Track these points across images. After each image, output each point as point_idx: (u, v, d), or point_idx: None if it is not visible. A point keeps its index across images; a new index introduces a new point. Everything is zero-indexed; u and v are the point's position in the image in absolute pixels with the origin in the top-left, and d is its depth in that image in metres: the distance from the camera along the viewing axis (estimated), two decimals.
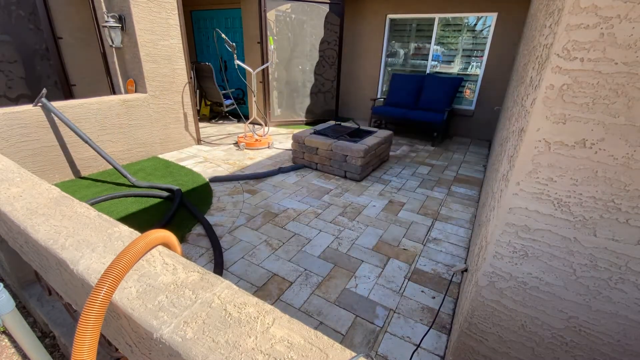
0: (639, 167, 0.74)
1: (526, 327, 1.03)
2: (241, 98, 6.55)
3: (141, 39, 3.80)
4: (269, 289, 2.04)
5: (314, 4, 5.53)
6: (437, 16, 5.54)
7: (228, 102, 6.01)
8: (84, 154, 3.58)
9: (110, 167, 3.85)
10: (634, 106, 0.71)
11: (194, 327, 0.65)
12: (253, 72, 4.59)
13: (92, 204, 2.88)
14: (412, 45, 6.06)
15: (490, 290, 1.05)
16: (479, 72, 5.48)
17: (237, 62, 4.38)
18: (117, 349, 1.05)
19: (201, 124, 5.86)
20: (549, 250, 0.91)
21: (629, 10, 0.67)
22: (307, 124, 6.32)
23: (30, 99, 4.55)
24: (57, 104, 3.27)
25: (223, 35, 4.28)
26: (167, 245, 0.90)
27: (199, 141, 4.86)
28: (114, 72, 4.15)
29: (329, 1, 5.58)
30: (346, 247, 2.49)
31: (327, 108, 6.46)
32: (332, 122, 4.76)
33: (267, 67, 5.54)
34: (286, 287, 2.06)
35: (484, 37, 5.31)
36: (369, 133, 4.25)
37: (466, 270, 1.66)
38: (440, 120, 5.00)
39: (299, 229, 2.71)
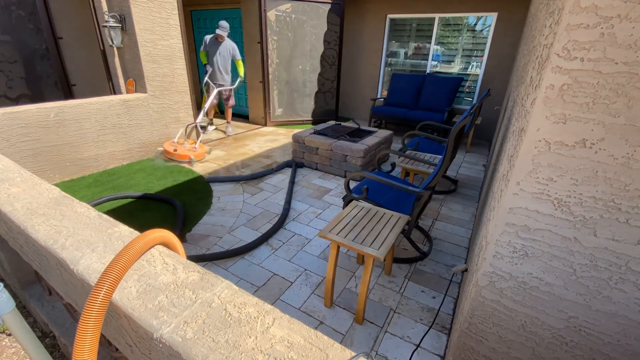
0: (639, 167, 0.74)
1: (526, 327, 1.03)
2: None
3: (141, 39, 3.80)
4: (269, 289, 2.04)
5: (314, 3, 5.53)
6: (437, 16, 5.54)
7: None
8: (83, 154, 3.58)
9: (111, 167, 3.85)
10: (634, 106, 0.71)
11: (194, 327, 0.65)
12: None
13: (93, 206, 2.88)
14: (412, 45, 6.06)
15: (490, 290, 1.05)
16: (479, 72, 5.48)
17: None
18: (117, 349, 1.05)
19: None
20: (549, 250, 0.91)
21: (629, 10, 0.67)
22: (307, 123, 6.33)
23: (31, 99, 4.55)
24: (57, 104, 3.27)
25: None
26: (167, 245, 0.90)
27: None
28: (114, 72, 4.16)
29: (329, 1, 5.58)
30: None
31: (327, 108, 6.46)
32: (332, 122, 4.76)
33: (268, 67, 5.55)
34: (286, 287, 2.06)
35: (484, 37, 5.31)
36: (369, 133, 4.25)
37: (466, 270, 1.66)
38: (441, 120, 5.00)
39: (299, 229, 2.71)
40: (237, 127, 5.92)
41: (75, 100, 3.52)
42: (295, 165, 4.02)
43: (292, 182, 3.54)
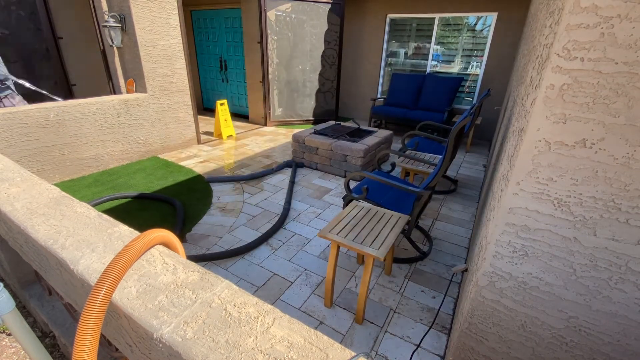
0: (639, 166, 0.74)
1: (526, 327, 1.03)
2: None
3: (141, 39, 3.80)
4: (269, 289, 2.04)
5: (314, 3, 5.53)
6: (437, 16, 5.53)
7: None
8: (83, 154, 3.58)
9: (111, 167, 3.86)
10: (634, 106, 0.71)
11: (194, 327, 0.65)
12: None
13: (93, 205, 2.88)
14: (412, 45, 6.06)
15: (490, 290, 1.05)
16: (479, 72, 5.48)
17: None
18: (117, 349, 1.05)
19: None
20: (549, 250, 0.91)
21: (629, 10, 0.67)
22: (307, 123, 6.33)
23: (30, 99, 4.54)
24: (57, 104, 3.27)
25: None
26: (167, 245, 0.90)
27: (199, 141, 4.87)
28: (114, 72, 4.16)
29: (329, 1, 5.58)
30: None
31: (327, 108, 6.46)
32: (332, 122, 4.76)
33: (268, 66, 5.54)
34: (286, 287, 2.06)
35: (484, 37, 5.31)
36: (369, 133, 4.25)
37: (466, 270, 1.66)
38: (441, 120, 5.01)
39: (299, 229, 2.71)
40: (237, 127, 5.92)
41: (75, 100, 3.52)
42: (295, 165, 4.02)
43: (292, 182, 3.54)
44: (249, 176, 3.68)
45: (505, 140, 1.77)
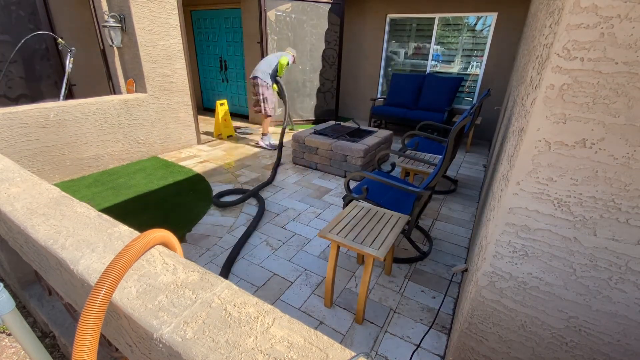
0: (639, 166, 0.74)
1: (526, 327, 1.03)
2: None
3: (141, 39, 3.80)
4: (269, 289, 2.04)
5: (314, 3, 5.52)
6: (437, 16, 5.53)
7: None
8: (83, 154, 3.58)
9: (110, 167, 3.86)
10: (634, 106, 0.71)
11: (194, 327, 0.65)
12: None
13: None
14: (412, 45, 6.06)
15: (490, 290, 1.05)
16: (479, 72, 5.48)
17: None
18: (117, 349, 1.05)
19: None
20: (549, 250, 0.91)
21: (629, 10, 0.67)
22: (307, 123, 6.33)
23: (31, 99, 4.55)
24: (57, 104, 3.27)
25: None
26: (166, 244, 0.90)
27: (199, 141, 4.87)
28: (114, 72, 4.16)
29: (329, 1, 5.58)
30: None
31: (327, 108, 6.46)
32: (332, 122, 4.76)
33: None
34: (286, 287, 2.06)
35: (484, 37, 5.31)
36: (369, 133, 4.25)
37: (466, 270, 1.66)
38: (441, 120, 5.01)
39: (299, 229, 2.71)
40: (237, 127, 5.92)
41: (75, 100, 3.52)
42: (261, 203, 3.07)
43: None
44: (250, 194, 3.20)
45: (505, 140, 1.77)
